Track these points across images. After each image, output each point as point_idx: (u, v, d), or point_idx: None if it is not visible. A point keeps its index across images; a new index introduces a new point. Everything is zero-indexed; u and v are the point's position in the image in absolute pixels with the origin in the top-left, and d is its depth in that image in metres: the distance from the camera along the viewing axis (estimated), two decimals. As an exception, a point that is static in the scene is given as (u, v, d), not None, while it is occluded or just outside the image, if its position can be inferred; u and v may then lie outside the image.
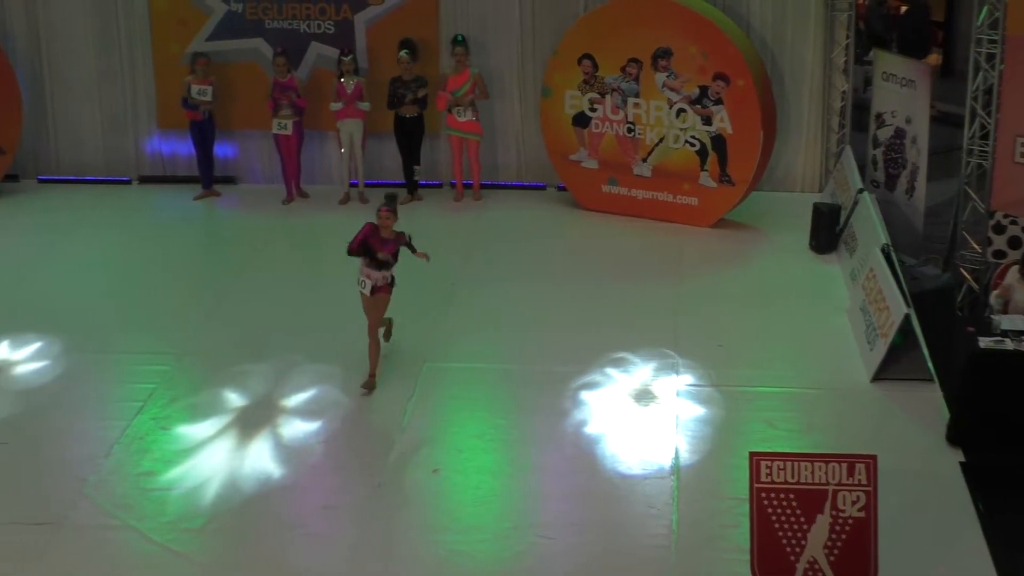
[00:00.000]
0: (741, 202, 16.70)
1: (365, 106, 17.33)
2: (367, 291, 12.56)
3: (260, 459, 11.59)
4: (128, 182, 18.71)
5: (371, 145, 17.83)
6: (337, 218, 16.85)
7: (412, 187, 17.80)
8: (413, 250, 12.66)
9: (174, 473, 11.40)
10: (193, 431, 12.06)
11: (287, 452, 11.71)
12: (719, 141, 16.42)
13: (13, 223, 17.34)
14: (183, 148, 18.39)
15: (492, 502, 10.99)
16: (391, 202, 12.58)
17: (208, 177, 18.15)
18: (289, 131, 17.52)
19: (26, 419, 12.32)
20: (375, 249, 12.43)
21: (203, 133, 17.83)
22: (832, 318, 14.07)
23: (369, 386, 12.66)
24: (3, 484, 11.24)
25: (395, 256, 12.58)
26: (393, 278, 12.65)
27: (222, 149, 18.38)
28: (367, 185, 17.68)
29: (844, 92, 17.28)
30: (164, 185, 18.57)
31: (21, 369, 13.23)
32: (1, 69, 17.84)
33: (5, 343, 13.65)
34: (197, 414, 12.33)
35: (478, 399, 12.61)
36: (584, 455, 11.62)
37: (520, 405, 12.46)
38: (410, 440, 11.87)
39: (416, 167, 17.74)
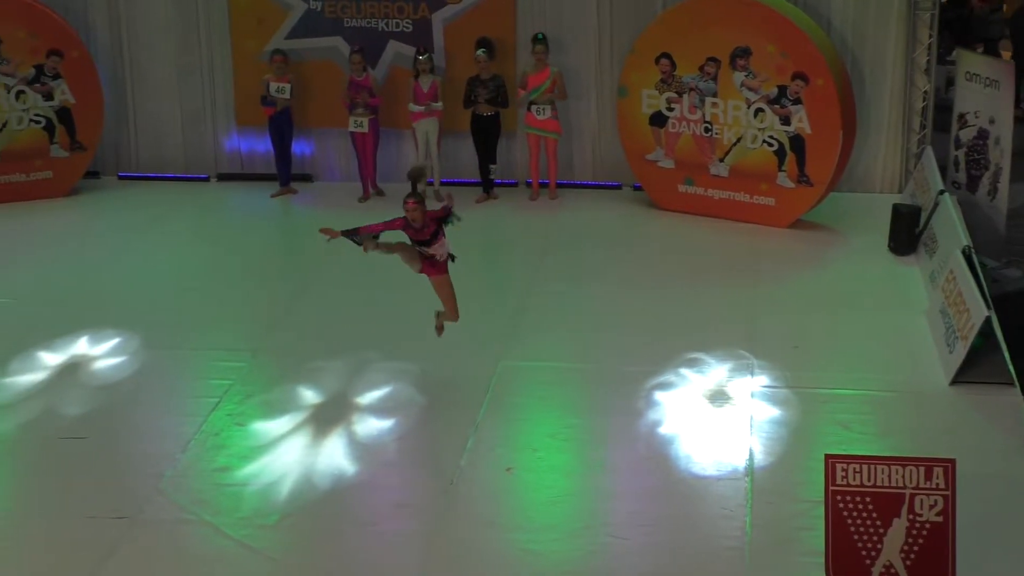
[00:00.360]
0: (819, 203, 16.56)
1: (438, 106, 17.37)
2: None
3: (334, 456, 11.61)
4: (206, 179, 18.89)
5: (448, 144, 17.86)
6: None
7: (488, 186, 17.83)
8: (449, 213, 12.08)
9: (249, 469, 11.43)
10: (268, 427, 12.10)
11: (361, 449, 11.73)
12: (797, 141, 16.28)
13: (93, 219, 17.59)
14: (261, 145, 18.53)
15: (565, 501, 10.95)
16: (416, 188, 11.89)
17: (286, 174, 18.27)
18: (365, 129, 17.60)
19: (104, 415, 12.42)
20: (413, 239, 12.03)
21: (281, 131, 17.95)
22: (910, 320, 13.90)
23: (439, 327, 12.65)
24: (81, 479, 11.33)
25: (435, 235, 12.00)
26: (451, 255, 12.25)
27: (299, 147, 18.51)
28: (443, 183, 17.69)
29: (926, 92, 17.09)
30: (242, 182, 18.74)
31: (99, 365, 13.33)
32: (83, 66, 18.05)
33: (84, 339, 13.78)
34: (272, 410, 12.38)
35: (552, 398, 12.56)
36: (657, 455, 11.55)
37: (594, 405, 12.42)
38: (483, 438, 11.85)
39: (492, 166, 17.76)
